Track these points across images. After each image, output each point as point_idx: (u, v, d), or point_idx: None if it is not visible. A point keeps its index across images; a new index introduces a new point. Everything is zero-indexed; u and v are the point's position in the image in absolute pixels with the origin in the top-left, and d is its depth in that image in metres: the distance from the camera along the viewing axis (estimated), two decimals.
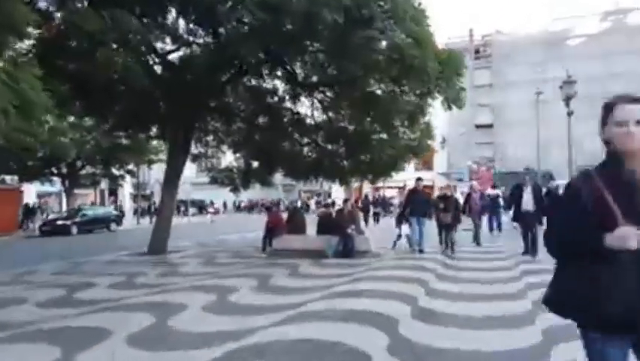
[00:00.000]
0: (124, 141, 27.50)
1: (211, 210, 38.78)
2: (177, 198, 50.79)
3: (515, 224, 11.69)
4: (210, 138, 17.58)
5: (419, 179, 11.65)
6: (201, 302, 6.66)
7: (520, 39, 42.79)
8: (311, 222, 13.28)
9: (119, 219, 25.16)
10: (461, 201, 12.68)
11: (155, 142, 25.69)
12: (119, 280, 8.93)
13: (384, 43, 9.01)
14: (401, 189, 49.62)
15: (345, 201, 11.72)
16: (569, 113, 23.90)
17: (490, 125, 44.45)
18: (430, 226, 11.99)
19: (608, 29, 40.29)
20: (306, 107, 14.46)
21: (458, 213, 11.36)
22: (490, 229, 16.54)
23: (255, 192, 55.12)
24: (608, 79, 37.26)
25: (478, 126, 44.73)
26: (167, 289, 7.84)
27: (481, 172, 18.87)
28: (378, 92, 11.82)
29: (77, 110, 13.51)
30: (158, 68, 13.37)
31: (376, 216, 26.71)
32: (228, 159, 18.80)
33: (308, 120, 14.30)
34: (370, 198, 32.70)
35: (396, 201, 42.29)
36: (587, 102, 39.86)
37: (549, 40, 41.54)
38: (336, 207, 12.77)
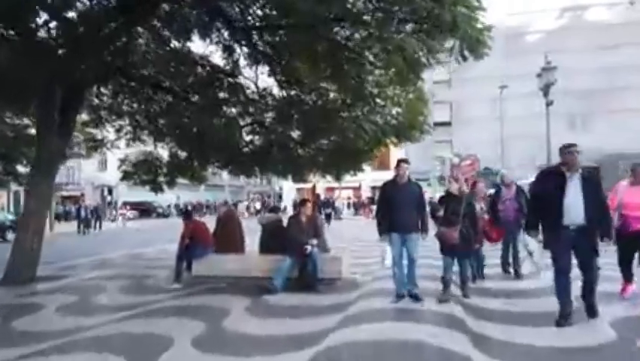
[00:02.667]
0: (31, 131, 22.07)
1: (123, 211, 33.61)
2: (115, 199, 44.49)
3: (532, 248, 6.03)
4: (126, 122, 13.02)
5: (403, 161, 6.47)
6: None
7: None
8: (250, 231, 9.03)
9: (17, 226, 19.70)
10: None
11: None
12: None
13: None
14: (356, 190, 46.07)
15: (303, 202, 7.57)
16: (549, 103, 20.96)
17: (448, 123, 41.79)
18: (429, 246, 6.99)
19: (566, 25, 38.49)
20: (249, 75, 10.23)
21: (477, 226, 6.36)
22: None
23: (199, 194, 49.96)
24: (568, 76, 35.24)
25: (436, 124, 41.85)
26: None
27: (464, 167, 15.20)
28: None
29: None
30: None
31: (328, 218, 25.02)
32: (149, 149, 14.18)
33: (251, 92, 10.07)
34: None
35: (339, 205, 38.55)
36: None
37: (507, 35, 39.25)
38: (284, 210, 8.57)
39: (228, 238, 7.97)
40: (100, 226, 27.97)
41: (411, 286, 6.10)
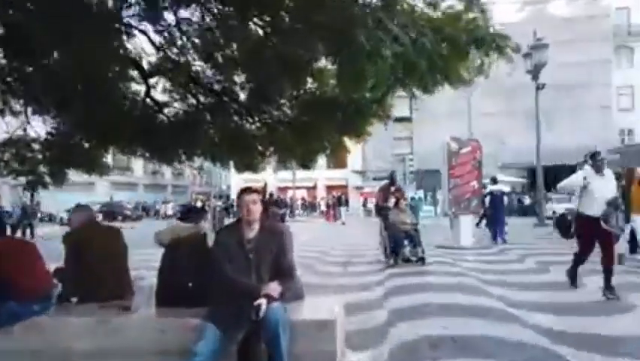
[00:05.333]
0: None
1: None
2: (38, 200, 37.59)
3: None
4: None
5: None
6: None
7: None
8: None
9: None
10: None
11: None
12: None
13: None
14: (311, 190, 41.89)
15: (245, 194, 3.25)
16: (539, 87, 17.90)
17: (408, 119, 38.58)
18: None
19: (527, 19, 36.28)
20: None
21: None
22: (494, 237, 12.30)
23: (137, 195, 44.06)
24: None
25: (396, 119, 38.65)
26: None
27: (462, 155, 11.36)
28: None
29: None
30: None
31: (282, 218, 21.18)
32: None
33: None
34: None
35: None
36: (507, 96, 35.67)
37: None
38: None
39: (86, 277, 3.62)
40: (32, 233, 22.42)
41: None
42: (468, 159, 11.33)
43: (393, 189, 9.80)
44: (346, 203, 29.04)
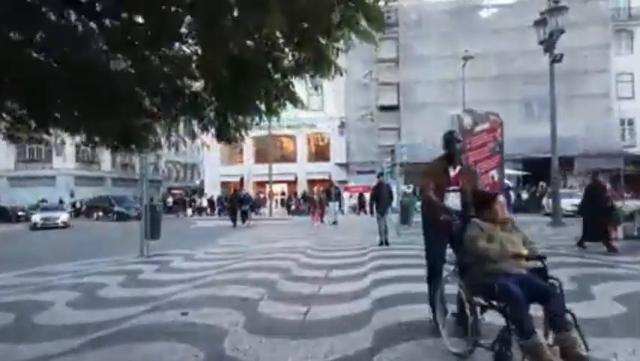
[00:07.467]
0: None
1: None
2: None
3: None
4: None
5: None
6: None
7: (429, 7, 34.40)
8: None
9: None
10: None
11: None
12: None
13: None
14: (292, 183, 38.41)
15: None
16: (555, 60, 14.79)
17: (395, 108, 35.44)
18: None
19: (522, 1, 33.36)
20: None
21: None
22: None
23: (105, 189, 40.11)
24: (523, 56, 29.94)
25: (382, 108, 35.46)
26: None
27: (477, 136, 8.06)
28: None
29: None
30: None
31: (245, 215, 21.22)
32: None
33: None
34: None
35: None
36: (501, 85, 32.69)
37: (460, 9, 33.58)
38: None
39: None
40: None
41: None
42: (486, 139, 8.11)
43: (454, 171, 4.13)
44: (337, 198, 21.74)
